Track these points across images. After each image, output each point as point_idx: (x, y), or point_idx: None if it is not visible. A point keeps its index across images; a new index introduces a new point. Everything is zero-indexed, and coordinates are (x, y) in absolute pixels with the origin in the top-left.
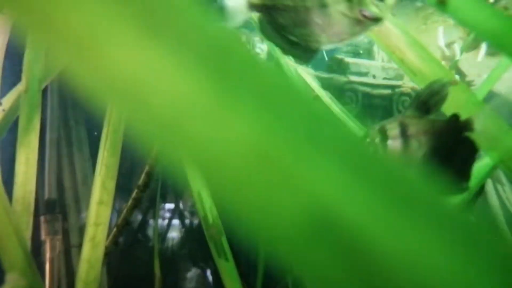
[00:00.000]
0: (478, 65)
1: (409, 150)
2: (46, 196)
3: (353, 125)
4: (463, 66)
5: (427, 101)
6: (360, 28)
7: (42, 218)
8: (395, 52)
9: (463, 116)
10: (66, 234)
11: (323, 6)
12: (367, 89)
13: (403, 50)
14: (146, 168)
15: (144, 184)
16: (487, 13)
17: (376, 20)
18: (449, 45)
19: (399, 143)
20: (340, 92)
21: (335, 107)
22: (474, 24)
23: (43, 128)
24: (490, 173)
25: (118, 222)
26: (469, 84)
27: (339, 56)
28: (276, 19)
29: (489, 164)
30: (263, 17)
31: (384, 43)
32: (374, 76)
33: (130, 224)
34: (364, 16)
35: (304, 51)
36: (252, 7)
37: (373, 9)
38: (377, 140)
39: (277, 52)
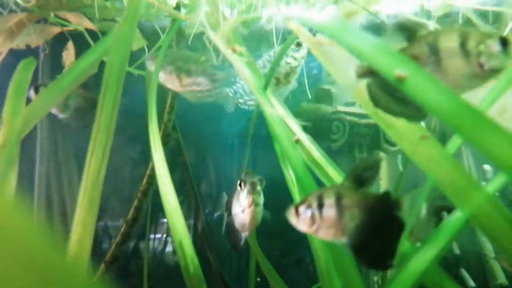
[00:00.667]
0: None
1: (342, 220)
2: None
3: (332, 171)
4: None
5: (362, 175)
6: (479, 81)
7: None
8: (370, 106)
9: (434, 172)
10: None
11: (436, 61)
12: (354, 119)
13: None
14: (135, 203)
15: (133, 219)
16: (442, 95)
17: (497, 72)
18: None
19: (333, 212)
20: (327, 122)
21: (316, 152)
22: (430, 104)
23: (33, 163)
24: (462, 227)
25: (106, 258)
26: None
27: (326, 87)
28: (385, 82)
29: (461, 218)
30: (372, 83)
31: (359, 97)
32: (360, 106)
33: (118, 260)
34: (483, 69)
35: (416, 109)
36: (361, 75)
37: (493, 62)
38: (314, 206)
39: (261, 99)
